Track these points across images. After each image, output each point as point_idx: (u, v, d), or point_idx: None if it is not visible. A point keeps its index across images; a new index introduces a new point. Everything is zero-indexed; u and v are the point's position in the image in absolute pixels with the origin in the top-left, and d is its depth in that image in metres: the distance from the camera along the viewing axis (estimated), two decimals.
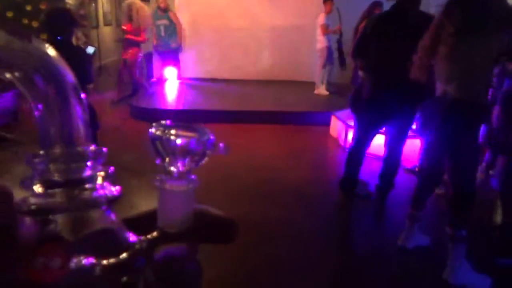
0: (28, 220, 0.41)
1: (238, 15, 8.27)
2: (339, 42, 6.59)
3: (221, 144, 0.44)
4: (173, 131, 0.45)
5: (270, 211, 3.21)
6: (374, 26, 3.18)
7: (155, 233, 0.48)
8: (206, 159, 0.45)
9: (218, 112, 5.90)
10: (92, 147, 0.45)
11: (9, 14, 6.55)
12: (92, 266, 0.40)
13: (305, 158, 4.65)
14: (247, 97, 7.01)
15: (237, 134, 5.06)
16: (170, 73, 7.76)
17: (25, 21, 6.59)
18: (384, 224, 3.33)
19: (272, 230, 2.96)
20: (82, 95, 0.41)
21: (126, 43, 6.75)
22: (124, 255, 0.46)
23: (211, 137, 0.46)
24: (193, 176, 0.46)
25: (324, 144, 5.21)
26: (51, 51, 0.40)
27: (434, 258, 2.59)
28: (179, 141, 0.46)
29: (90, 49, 5.12)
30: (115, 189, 0.50)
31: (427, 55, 2.36)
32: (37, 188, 0.43)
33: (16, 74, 0.38)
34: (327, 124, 5.49)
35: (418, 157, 4.16)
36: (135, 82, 7.13)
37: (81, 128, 0.47)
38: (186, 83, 7.88)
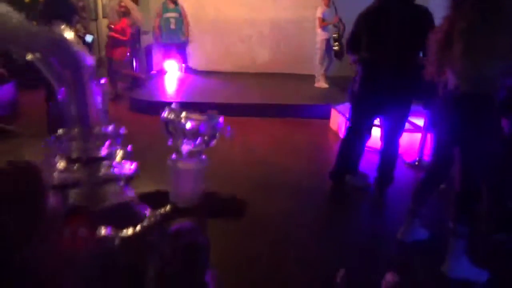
0: (53, 193, 0.43)
1: (238, 7, 8.22)
2: (338, 34, 6.60)
3: (228, 128, 0.47)
4: (184, 115, 0.47)
5: (270, 204, 3.21)
6: (364, 20, 3.16)
7: (168, 208, 0.51)
8: (215, 140, 0.48)
9: (217, 105, 5.88)
10: (110, 128, 0.47)
11: None
12: (112, 236, 0.43)
13: (305, 151, 4.65)
14: (246, 90, 6.99)
15: (237, 127, 5.01)
16: (171, 66, 7.73)
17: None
18: (383, 217, 3.33)
19: (272, 223, 2.96)
20: (103, 80, 0.42)
21: (112, 42, 6.68)
22: (139, 227, 0.49)
23: (220, 120, 0.48)
24: (203, 157, 0.48)
25: (324, 137, 5.21)
26: (69, 35, 0.41)
27: (433, 252, 2.59)
28: (189, 124, 0.48)
29: (89, 38, 5.08)
30: (131, 167, 0.53)
31: (442, 50, 2.29)
32: (60, 165, 0.46)
33: (37, 55, 0.40)
34: (327, 117, 5.49)
35: (418, 151, 4.17)
36: (133, 77, 7.12)
37: (98, 110, 0.50)
38: (186, 76, 7.85)
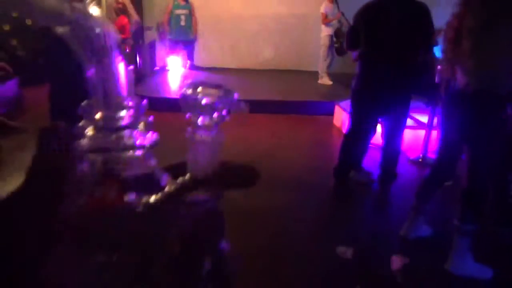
0: (83, 159, 0.48)
1: (242, 4, 8.20)
2: (339, 31, 6.63)
3: (242, 104, 0.50)
4: (200, 89, 0.50)
5: (271, 200, 3.21)
6: (363, 17, 3.14)
7: (186, 177, 0.55)
8: (230, 115, 0.51)
9: None
10: (131, 99, 0.52)
11: None
12: (135, 202, 0.46)
13: (308, 147, 4.64)
14: (250, 87, 6.98)
15: (240, 123, 5.05)
16: (174, 62, 7.73)
17: None
18: (386, 213, 3.33)
19: (273, 218, 2.96)
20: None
21: None
22: (160, 194, 0.52)
23: (235, 96, 0.51)
24: (218, 130, 0.52)
25: (328, 133, 5.20)
26: (94, 11, 0.43)
27: (437, 249, 2.59)
28: (204, 100, 0.51)
29: None
30: (152, 136, 0.57)
31: (453, 48, 2.27)
32: (88, 132, 0.50)
33: (66, 29, 0.42)
34: (331, 113, 5.48)
35: (422, 148, 4.15)
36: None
37: (122, 83, 0.53)
38: (190, 72, 7.85)
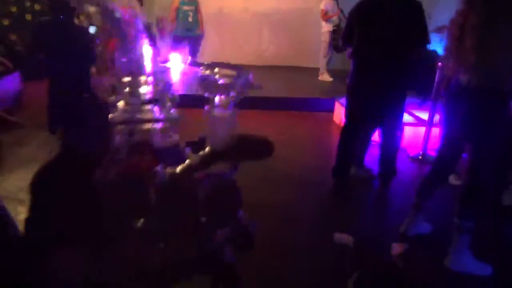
0: (116, 129, 0.52)
1: (243, 0, 8.18)
2: (337, 28, 6.64)
3: (255, 83, 0.55)
4: (217, 70, 0.55)
5: (272, 198, 3.21)
6: (357, 13, 3.13)
7: (206, 150, 0.59)
8: (245, 93, 0.57)
9: None
10: (159, 76, 0.58)
11: None
12: (161, 172, 0.50)
13: (308, 144, 4.64)
14: None
15: (240, 120, 5.04)
16: (175, 58, 7.70)
17: (27, 4, 6.54)
18: (386, 210, 3.33)
19: (273, 215, 2.96)
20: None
21: (105, 36, 6.66)
22: (183, 165, 0.56)
23: (249, 76, 0.56)
24: (234, 106, 0.57)
25: (328, 130, 5.19)
26: None
27: (437, 245, 2.59)
28: (221, 80, 0.55)
29: (92, 29, 5.11)
30: (175, 112, 0.62)
31: (457, 46, 2.26)
32: (120, 105, 0.54)
33: (96, 9, 0.46)
34: (331, 110, 5.47)
35: (422, 145, 4.15)
36: None
37: (146, 62, 0.58)
38: (190, 69, 7.83)
